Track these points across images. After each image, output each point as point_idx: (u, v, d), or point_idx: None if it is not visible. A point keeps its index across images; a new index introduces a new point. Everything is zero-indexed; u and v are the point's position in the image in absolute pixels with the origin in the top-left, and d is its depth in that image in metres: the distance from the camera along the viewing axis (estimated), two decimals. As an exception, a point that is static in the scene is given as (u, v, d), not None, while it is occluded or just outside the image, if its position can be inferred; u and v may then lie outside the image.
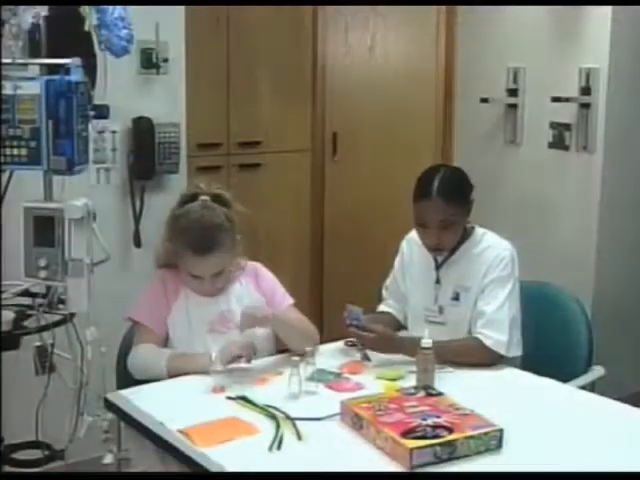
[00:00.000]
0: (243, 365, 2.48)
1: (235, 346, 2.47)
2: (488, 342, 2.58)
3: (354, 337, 2.64)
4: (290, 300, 2.75)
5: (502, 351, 2.57)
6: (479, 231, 2.73)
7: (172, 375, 2.49)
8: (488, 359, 2.57)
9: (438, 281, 2.72)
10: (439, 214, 2.60)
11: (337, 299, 3.82)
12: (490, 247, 2.68)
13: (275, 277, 2.78)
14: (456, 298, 2.69)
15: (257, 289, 2.71)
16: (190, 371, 2.48)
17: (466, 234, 2.70)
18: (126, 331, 2.72)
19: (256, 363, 2.56)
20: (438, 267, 2.73)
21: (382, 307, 2.91)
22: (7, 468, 2.90)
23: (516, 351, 2.61)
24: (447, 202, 2.59)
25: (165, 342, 2.62)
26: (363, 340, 2.61)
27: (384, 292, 2.93)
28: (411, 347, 2.49)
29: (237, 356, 2.47)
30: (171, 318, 2.61)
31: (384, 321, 2.80)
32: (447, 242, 2.66)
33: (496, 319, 2.59)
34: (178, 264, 2.62)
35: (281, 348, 2.69)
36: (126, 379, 2.58)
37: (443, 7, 4.85)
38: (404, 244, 2.86)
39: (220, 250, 2.55)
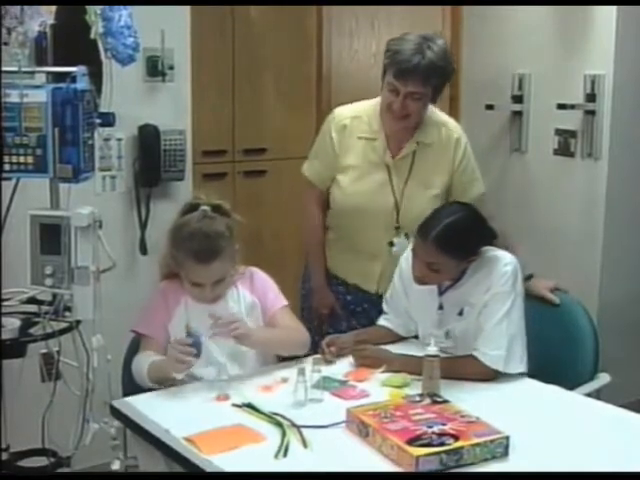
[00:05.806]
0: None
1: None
2: (484, 359, 2.56)
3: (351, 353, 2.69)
4: (283, 302, 2.75)
5: (499, 367, 2.55)
6: (483, 251, 2.66)
7: (153, 379, 2.50)
8: (484, 375, 2.55)
9: (441, 307, 2.70)
10: (429, 257, 2.57)
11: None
12: (492, 264, 2.63)
13: (272, 279, 2.77)
14: (460, 313, 2.67)
15: (252, 293, 2.72)
16: (168, 373, 2.48)
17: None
18: (131, 340, 2.72)
19: (261, 370, 2.58)
20: (441, 293, 2.69)
21: (381, 321, 2.89)
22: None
23: (518, 367, 2.57)
24: (441, 251, 2.55)
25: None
26: (354, 358, 2.66)
27: (385, 306, 2.89)
28: (401, 363, 2.58)
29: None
30: (171, 325, 2.63)
31: (374, 336, 2.81)
32: (433, 280, 2.65)
33: (494, 335, 2.57)
34: (180, 273, 2.64)
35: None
36: (132, 386, 2.58)
37: (448, 13, 4.85)
38: (402, 261, 2.81)
39: (221, 258, 2.57)
